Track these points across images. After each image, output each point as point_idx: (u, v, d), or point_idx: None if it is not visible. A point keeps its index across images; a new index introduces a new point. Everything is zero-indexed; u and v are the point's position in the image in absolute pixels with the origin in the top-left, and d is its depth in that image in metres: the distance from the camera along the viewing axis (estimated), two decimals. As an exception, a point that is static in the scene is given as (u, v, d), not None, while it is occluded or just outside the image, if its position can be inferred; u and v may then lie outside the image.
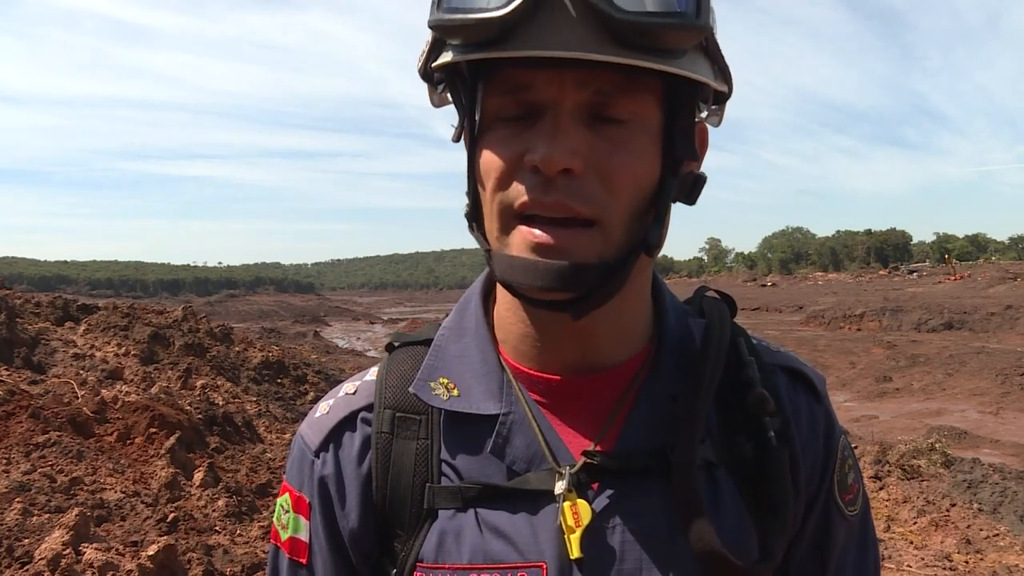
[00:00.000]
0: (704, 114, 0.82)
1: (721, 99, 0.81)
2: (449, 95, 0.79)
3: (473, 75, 0.74)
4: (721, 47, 0.75)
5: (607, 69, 0.68)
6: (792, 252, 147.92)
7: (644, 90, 0.71)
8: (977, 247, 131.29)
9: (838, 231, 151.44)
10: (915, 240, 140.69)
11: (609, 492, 0.76)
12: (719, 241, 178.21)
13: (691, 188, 0.78)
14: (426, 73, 0.77)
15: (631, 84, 0.70)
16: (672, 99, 0.74)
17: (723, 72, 0.77)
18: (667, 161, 0.74)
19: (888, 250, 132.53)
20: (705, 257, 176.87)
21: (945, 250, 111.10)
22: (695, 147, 0.77)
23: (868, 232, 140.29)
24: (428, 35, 0.75)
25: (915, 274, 76.44)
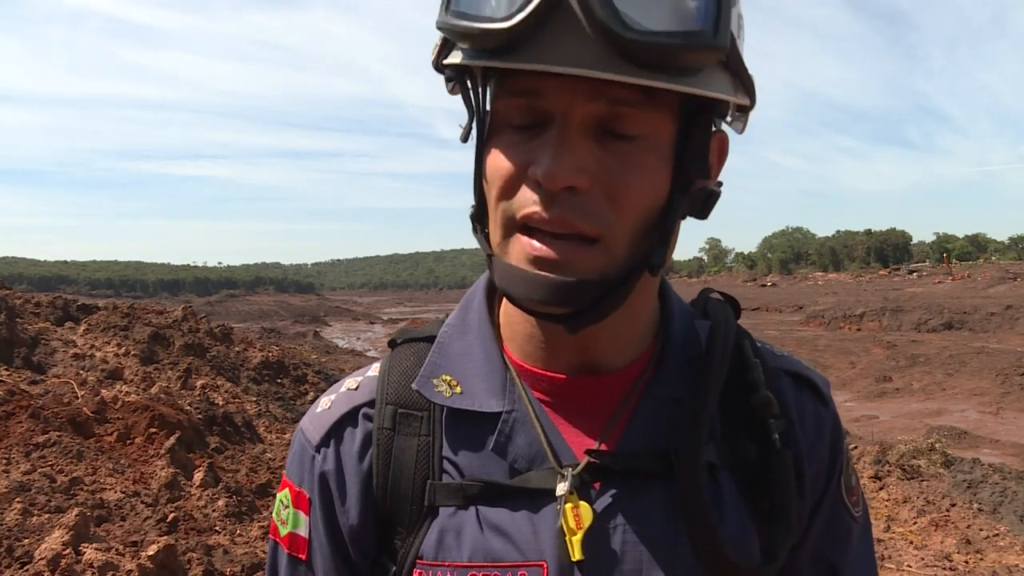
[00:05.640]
0: (728, 119, 0.80)
1: (744, 109, 0.79)
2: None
3: (484, 76, 0.74)
4: (744, 58, 0.72)
5: (620, 84, 0.66)
6: (792, 252, 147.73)
7: (659, 104, 0.69)
8: (977, 247, 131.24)
9: (838, 231, 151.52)
10: (915, 240, 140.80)
11: (612, 492, 0.75)
12: (719, 241, 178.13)
13: (703, 204, 0.76)
14: (438, 67, 0.77)
15: (645, 99, 0.68)
16: (688, 114, 0.71)
17: (745, 84, 0.74)
18: (677, 180, 0.72)
19: (888, 250, 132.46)
20: (705, 257, 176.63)
21: (945, 250, 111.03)
22: (708, 165, 0.75)
23: (868, 232, 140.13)
24: None
25: (915, 274, 76.51)
